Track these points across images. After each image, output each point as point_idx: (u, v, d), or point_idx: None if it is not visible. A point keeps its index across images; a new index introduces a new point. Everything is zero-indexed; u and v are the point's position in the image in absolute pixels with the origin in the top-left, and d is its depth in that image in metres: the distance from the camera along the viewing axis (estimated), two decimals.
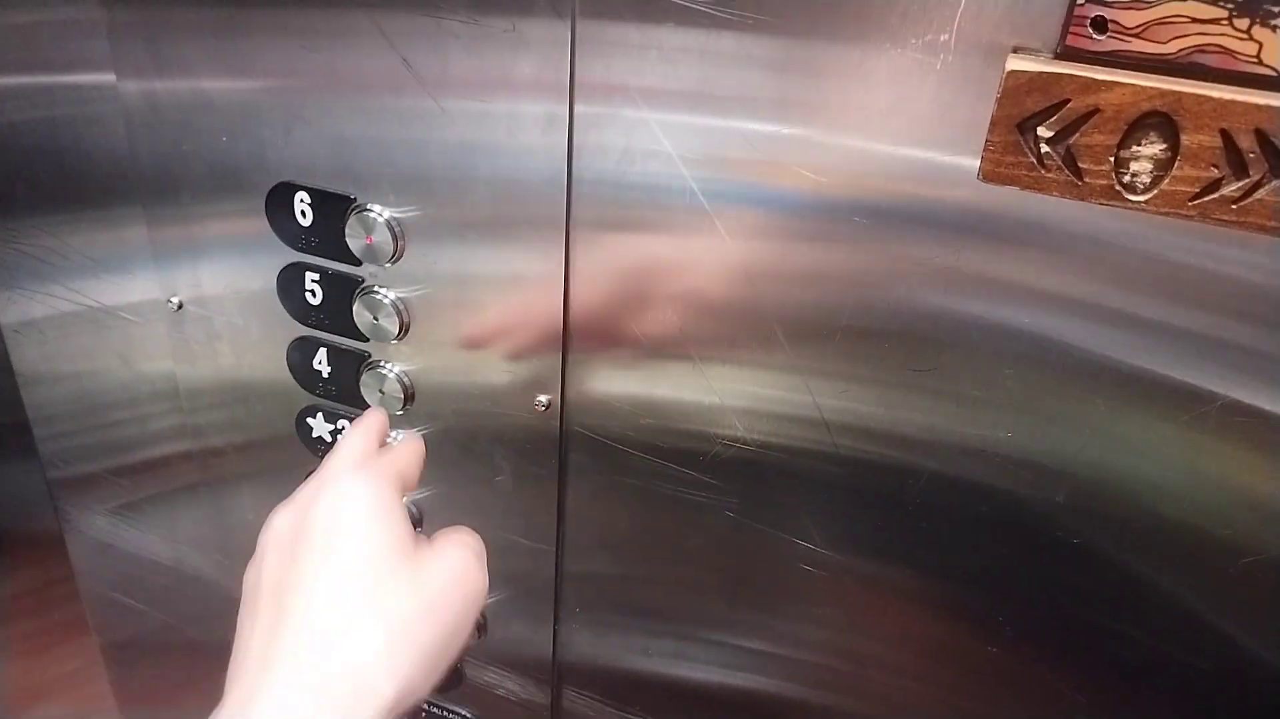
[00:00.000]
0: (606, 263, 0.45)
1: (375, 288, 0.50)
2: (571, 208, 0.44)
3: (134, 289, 0.57)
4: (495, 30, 0.41)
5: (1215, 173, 0.31)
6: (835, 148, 0.38)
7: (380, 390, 0.52)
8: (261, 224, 0.50)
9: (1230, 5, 0.30)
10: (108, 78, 0.50)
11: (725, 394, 0.46)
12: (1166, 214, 0.32)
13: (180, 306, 0.56)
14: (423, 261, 0.48)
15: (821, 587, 0.49)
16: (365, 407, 0.53)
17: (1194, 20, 0.31)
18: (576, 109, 0.41)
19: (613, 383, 0.48)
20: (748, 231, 0.41)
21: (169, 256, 0.55)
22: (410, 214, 0.47)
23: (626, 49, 0.40)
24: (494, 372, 0.50)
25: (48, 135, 0.54)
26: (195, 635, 0.74)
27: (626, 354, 0.47)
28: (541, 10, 0.40)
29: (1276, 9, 0.29)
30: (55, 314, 0.61)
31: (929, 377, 0.41)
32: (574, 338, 0.47)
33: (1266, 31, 0.30)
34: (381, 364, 0.52)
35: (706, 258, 0.43)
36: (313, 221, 0.49)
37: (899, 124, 0.37)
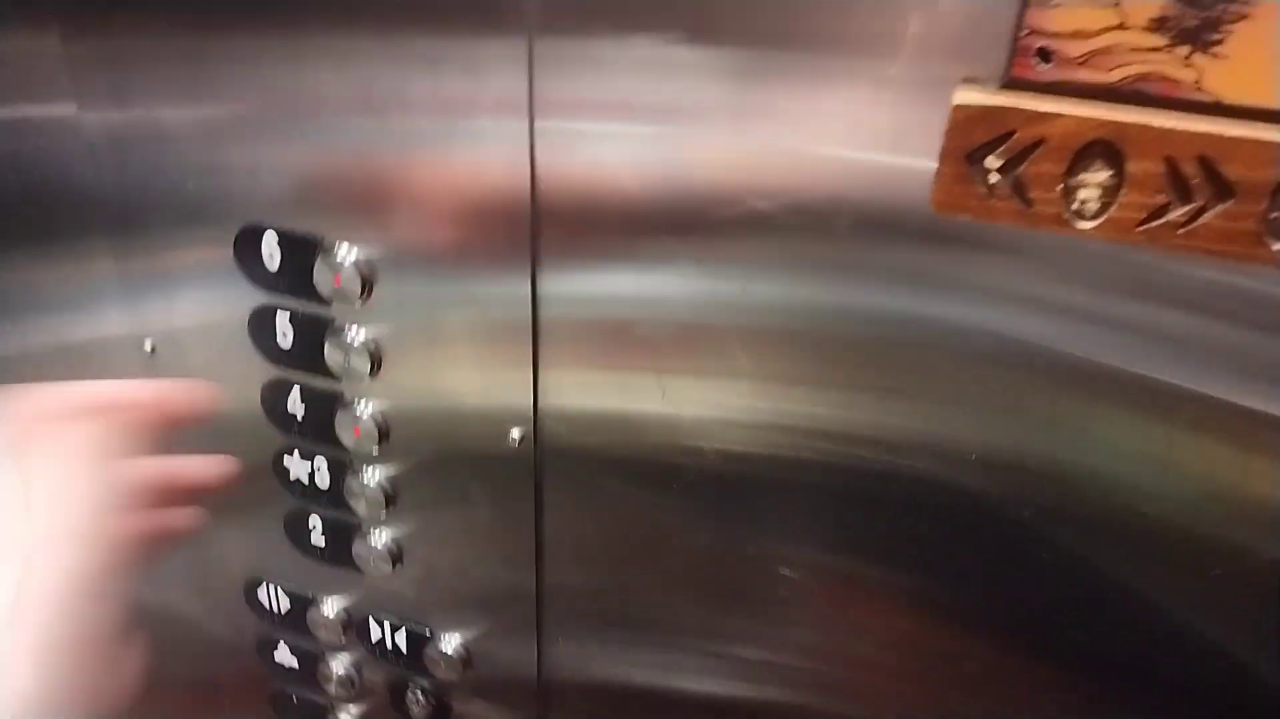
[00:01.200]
0: (574, 289, 0.45)
1: (345, 327, 0.50)
2: (537, 233, 0.44)
3: (105, 327, 0.57)
4: (454, 54, 0.41)
5: (1161, 198, 0.32)
6: (796, 165, 0.38)
7: (354, 430, 0.52)
8: (231, 262, 0.50)
9: (1169, 34, 0.30)
10: (70, 110, 0.50)
11: (698, 418, 0.46)
12: (1116, 240, 0.33)
13: (154, 350, 0.56)
14: (392, 299, 0.48)
15: (805, 597, 0.49)
16: (341, 446, 0.53)
17: (1135, 49, 0.31)
18: (537, 126, 0.41)
19: (586, 413, 0.48)
20: (715, 249, 0.42)
21: (139, 296, 0.55)
22: (378, 251, 0.47)
23: (586, 65, 0.40)
24: (467, 407, 0.50)
25: (12, 170, 0.53)
26: (178, 676, 0.74)
27: (598, 383, 0.47)
28: (499, 29, 0.40)
29: (1213, 36, 0.30)
30: (25, 351, 0.61)
31: (905, 384, 0.41)
32: (544, 370, 0.48)
33: (1205, 58, 0.30)
34: (355, 403, 0.52)
35: (673, 278, 0.43)
36: (281, 264, 0.49)
37: (855, 145, 0.37)
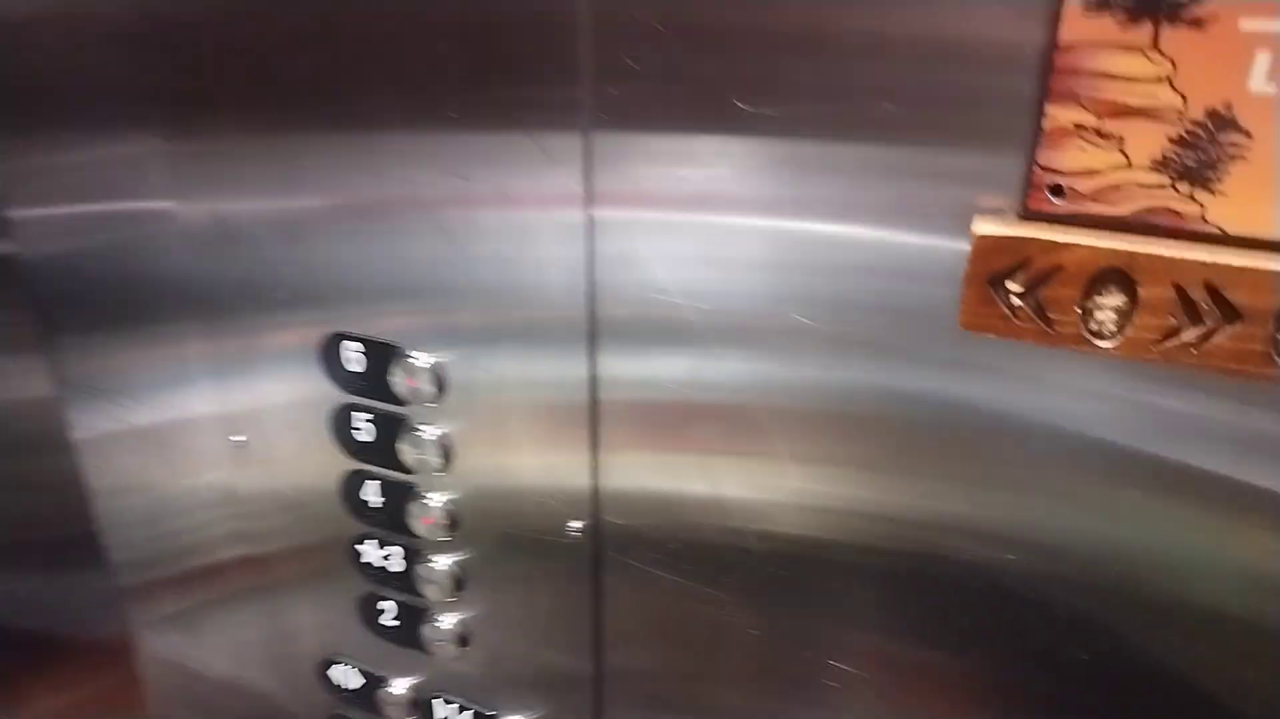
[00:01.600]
0: (631, 376, 0.48)
1: (419, 425, 0.54)
2: (596, 339, 0.47)
3: (194, 412, 0.61)
4: (514, 150, 0.44)
5: (1173, 321, 0.34)
6: (837, 250, 0.41)
7: (426, 520, 0.56)
8: (313, 355, 0.55)
9: (1171, 173, 0.33)
10: (169, 204, 0.54)
11: (754, 501, 0.48)
12: (1134, 358, 0.35)
13: (243, 442, 0.60)
14: (462, 396, 0.52)
15: (863, 681, 0.51)
16: (413, 535, 0.57)
17: (1141, 185, 0.34)
18: (596, 221, 0.44)
19: (643, 504, 0.51)
20: (768, 336, 0.44)
21: (227, 384, 0.59)
22: (446, 345, 0.51)
23: (641, 160, 0.42)
24: (530, 500, 0.53)
25: (111, 259, 0.58)
26: None
27: (656, 476, 0.50)
28: (556, 125, 0.43)
29: (1211, 175, 0.32)
30: (122, 432, 0.65)
31: (971, 472, 0.43)
32: (604, 458, 0.51)
33: (1206, 194, 0.33)
34: (426, 496, 0.55)
35: (727, 366, 0.46)
36: (362, 368, 0.53)
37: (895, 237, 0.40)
